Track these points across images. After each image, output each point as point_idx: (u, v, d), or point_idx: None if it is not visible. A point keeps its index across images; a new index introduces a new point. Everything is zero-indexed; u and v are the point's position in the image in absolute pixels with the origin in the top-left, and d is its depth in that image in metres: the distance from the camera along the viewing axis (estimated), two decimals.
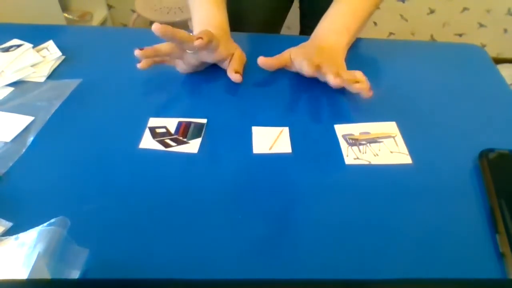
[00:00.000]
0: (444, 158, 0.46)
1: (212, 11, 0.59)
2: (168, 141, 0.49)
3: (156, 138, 0.49)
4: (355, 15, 0.59)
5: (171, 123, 0.51)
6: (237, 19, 0.79)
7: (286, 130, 0.50)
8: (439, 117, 0.52)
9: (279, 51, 0.61)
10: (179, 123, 0.51)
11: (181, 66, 0.57)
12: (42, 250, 0.30)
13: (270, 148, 0.47)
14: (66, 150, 0.47)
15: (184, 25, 1.71)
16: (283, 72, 0.60)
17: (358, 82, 0.51)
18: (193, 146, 0.48)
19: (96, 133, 0.50)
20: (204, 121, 0.51)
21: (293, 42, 0.70)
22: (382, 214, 0.40)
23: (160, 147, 0.48)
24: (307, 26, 0.89)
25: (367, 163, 0.46)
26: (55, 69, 0.60)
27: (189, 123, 0.51)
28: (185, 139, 0.49)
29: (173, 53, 0.54)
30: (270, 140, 0.48)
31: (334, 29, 0.59)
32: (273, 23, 0.89)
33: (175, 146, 0.48)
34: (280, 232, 0.39)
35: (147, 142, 0.48)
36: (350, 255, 0.37)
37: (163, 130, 0.50)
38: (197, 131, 0.50)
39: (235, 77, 0.55)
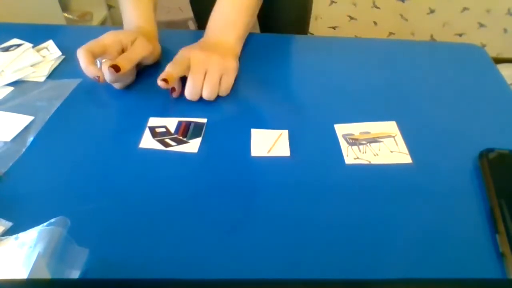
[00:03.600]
0: (444, 158, 0.46)
1: (134, 12, 0.61)
2: (168, 140, 0.48)
3: (156, 137, 0.49)
4: (239, 8, 0.60)
5: (171, 123, 0.51)
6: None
7: (285, 133, 0.49)
8: (439, 117, 0.52)
9: (275, 50, 0.61)
10: (179, 123, 0.51)
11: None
12: (42, 250, 0.30)
13: (269, 151, 0.47)
14: (66, 150, 0.47)
15: (184, 24, 1.71)
16: (283, 71, 0.60)
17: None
18: (193, 145, 0.48)
19: (96, 133, 0.49)
20: (204, 120, 0.51)
21: (290, 41, 0.70)
22: (382, 214, 0.40)
23: (160, 146, 0.48)
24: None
25: (367, 162, 0.46)
26: (55, 69, 0.60)
27: (189, 122, 0.51)
28: (185, 139, 0.49)
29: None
30: (269, 143, 0.48)
31: (221, 27, 0.60)
32: None
33: (175, 145, 0.48)
34: (280, 232, 0.39)
35: (147, 141, 0.48)
36: (350, 255, 0.37)
37: (163, 129, 0.50)
38: (197, 130, 0.50)
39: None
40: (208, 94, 0.53)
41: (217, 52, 0.55)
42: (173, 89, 0.54)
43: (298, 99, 0.56)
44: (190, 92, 0.53)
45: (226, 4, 0.60)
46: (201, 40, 0.60)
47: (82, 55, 0.52)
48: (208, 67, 0.53)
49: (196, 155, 0.47)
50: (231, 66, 0.55)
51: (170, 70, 0.52)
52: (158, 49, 0.61)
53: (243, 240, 0.38)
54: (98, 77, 0.52)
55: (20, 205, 0.41)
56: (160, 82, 0.51)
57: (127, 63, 0.53)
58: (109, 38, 0.55)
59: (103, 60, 0.54)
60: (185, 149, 0.47)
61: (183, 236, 0.38)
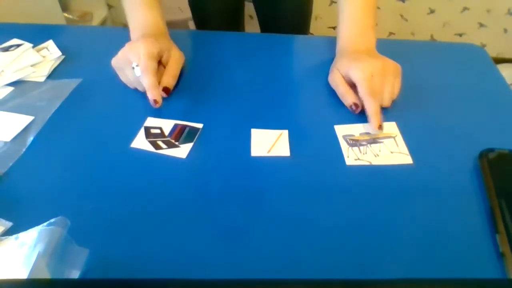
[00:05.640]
0: (444, 158, 0.46)
1: (145, 14, 0.61)
2: (159, 142, 0.48)
3: (149, 138, 0.48)
4: (369, 12, 0.59)
5: (167, 125, 0.50)
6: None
7: (285, 133, 0.49)
8: (439, 117, 0.52)
9: (275, 51, 0.61)
10: (175, 126, 0.50)
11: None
12: (42, 250, 0.30)
13: (269, 151, 0.47)
14: (66, 149, 0.47)
15: (184, 24, 1.71)
16: (284, 71, 0.60)
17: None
18: (182, 150, 0.47)
19: (95, 133, 0.49)
20: (199, 125, 0.50)
21: (290, 41, 0.70)
22: (383, 215, 0.40)
23: (150, 148, 0.47)
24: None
25: (367, 163, 0.46)
26: (55, 69, 0.60)
27: (185, 126, 0.50)
28: (176, 143, 0.48)
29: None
30: (269, 143, 0.48)
31: (361, 34, 0.59)
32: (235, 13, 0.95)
33: (166, 148, 0.47)
34: (280, 232, 0.39)
35: (139, 141, 0.48)
36: (351, 255, 0.37)
37: (158, 131, 0.49)
38: (191, 135, 0.49)
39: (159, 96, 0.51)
40: (388, 101, 0.52)
41: (380, 57, 0.54)
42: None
43: (298, 99, 0.56)
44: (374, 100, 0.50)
45: (357, 9, 0.59)
46: (353, 51, 0.57)
47: (150, 75, 0.50)
48: (387, 73, 0.52)
49: (183, 161, 0.46)
50: (399, 68, 0.55)
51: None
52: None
53: (243, 240, 0.38)
54: (156, 101, 0.50)
55: (20, 205, 0.41)
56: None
57: (172, 80, 0.55)
58: (155, 51, 0.53)
59: (136, 66, 0.52)
60: (174, 154, 0.47)
61: (183, 236, 0.38)
